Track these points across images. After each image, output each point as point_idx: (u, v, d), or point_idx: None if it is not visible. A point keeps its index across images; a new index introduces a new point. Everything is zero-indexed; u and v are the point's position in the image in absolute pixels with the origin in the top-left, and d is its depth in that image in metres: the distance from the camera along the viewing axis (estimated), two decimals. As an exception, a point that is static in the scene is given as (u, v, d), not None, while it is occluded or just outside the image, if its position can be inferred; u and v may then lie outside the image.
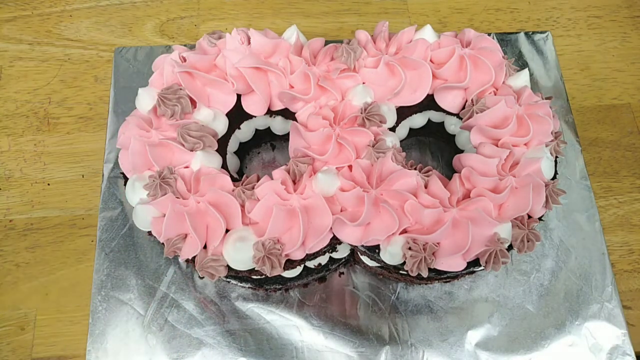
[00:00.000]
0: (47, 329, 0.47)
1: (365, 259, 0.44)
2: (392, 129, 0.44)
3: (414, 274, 0.37)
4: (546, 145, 0.41)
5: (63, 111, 0.55)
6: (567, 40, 0.61)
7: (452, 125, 0.48)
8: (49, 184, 0.53)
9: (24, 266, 0.49)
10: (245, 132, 0.48)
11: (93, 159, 0.53)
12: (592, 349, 0.46)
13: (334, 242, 0.39)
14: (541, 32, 0.59)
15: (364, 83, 0.43)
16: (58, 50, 0.58)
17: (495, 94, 0.43)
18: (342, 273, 0.48)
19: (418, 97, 0.44)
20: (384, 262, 0.39)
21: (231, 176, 0.42)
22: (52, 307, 0.48)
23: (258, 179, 0.40)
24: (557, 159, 0.43)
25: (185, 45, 0.46)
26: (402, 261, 0.38)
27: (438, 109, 0.45)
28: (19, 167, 0.53)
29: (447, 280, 0.47)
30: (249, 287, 0.47)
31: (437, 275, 0.39)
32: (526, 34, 0.59)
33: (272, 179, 0.39)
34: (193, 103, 0.42)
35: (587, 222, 0.50)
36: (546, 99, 0.44)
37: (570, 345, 0.46)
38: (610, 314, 0.47)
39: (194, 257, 0.38)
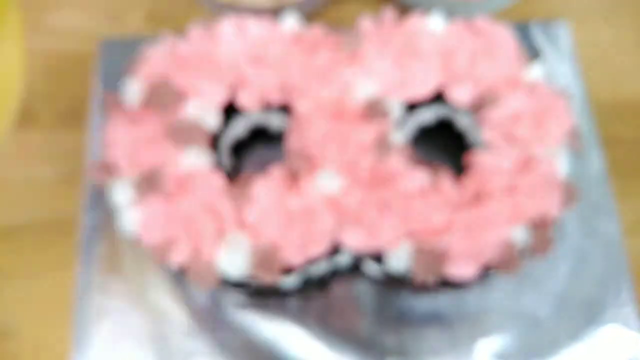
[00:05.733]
0: (31, 338, 0.45)
1: (368, 264, 0.42)
2: (398, 125, 0.42)
3: (422, 280, 0.36)
4: (562, 142, 0.40)
5: (46, 106, 0.53)
6: (584, 31, 0.59)
7: (462, 121, 0.46)
8: (31, 184, 0.50)
9: (6, 272, 0.47)
10: (240, 128, 0.46)
11: (78, 157, 0.51)
12: (608, 356, 0.44)
13: (335, 247, 0.38)
14: (557, 22, 0.57)
15: (367, 75, 0.42)
16: (41, 42, 0.56)
17: (508, 87, 0.42)
18: (344, 280, 0.46)
19: (426, 90, 0.42)
20: (389, 268, 0.38)
21: (225, 175, 0.40)
22: (36, 315, 0.46)
23: (253, 179, 0.38)
24: (574, 157, 0.42)
25: (175, 36, 0.44)
26: (409, 267, 0.37)
27: (447, 103, 0.44)
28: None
29: (457, 286, 0.46)
30: (244, 295, 0.45)
31: (446, 281, 0.38)
32: (541, 23, 0.57)
33: (268, 178, 0.38)
34: (184, 97, 0.40)
35: (605, 224, 0.49)
36: (562, 93, 0.42)
37: (587, 353, 0.44)
38: (629, 321, 0.45)
39: (185, 262, 0.37)
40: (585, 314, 0.46)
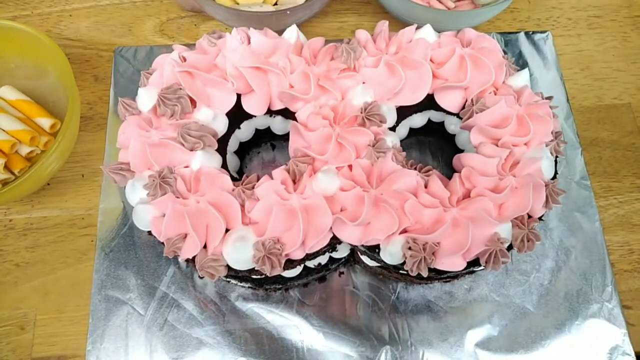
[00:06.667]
0: (47, 329, 0.47)
1: (365, 258, 0.44)
2: (392, 129, 0.44)
3: (414, 273, 0.37)
4: (546, 145, 0.41)
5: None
6: (567, 40, 0.61)
7: (452, 125, 0.48)
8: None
9: (23, 266, 0.49)
10: (245, 131, 0.48)
11: (93, 159, 0.53)
12: (592, 348, 0.46)
13: (334, 242, 0.39)
14: (541, 32, 0.59)
15: (364, 83, 0.43)
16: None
17: (495, 94, 0.43)
18: (342, 273, 0.48)
19: (418, 97, 0.43)
20: (384, 262, 0.39)
21: (231, 176, 0.42)
22: (52, 307, 0.48)
23: (258, 179, 0.40)
24: (557, 158, 0.43)
25: (185, 45, 0.46)
26: (402, 261, 0.38)
27: (438, 108, 0.45)
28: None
29: (447, 280, 0.47)
30: (248, 287, 0.47)
31: (437, 275, 0.39)
32: (526, 33, 0.59)
33: (272, 178, 0.39)
34: (193, 103, 0.42)
35: (587, 222, 0.50)
36: (546, 98, 0.44)
37: (570, 345, 0.46)
38: (610, 314, 0.47)
39: (194, 256, 0.38)
40: (569, 307, 0.47)
